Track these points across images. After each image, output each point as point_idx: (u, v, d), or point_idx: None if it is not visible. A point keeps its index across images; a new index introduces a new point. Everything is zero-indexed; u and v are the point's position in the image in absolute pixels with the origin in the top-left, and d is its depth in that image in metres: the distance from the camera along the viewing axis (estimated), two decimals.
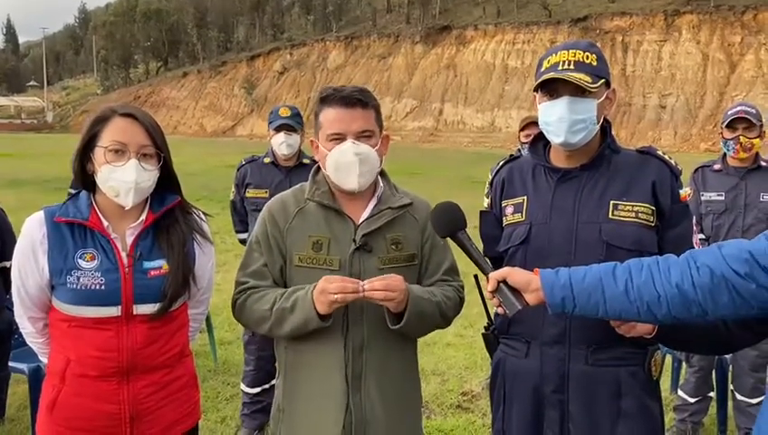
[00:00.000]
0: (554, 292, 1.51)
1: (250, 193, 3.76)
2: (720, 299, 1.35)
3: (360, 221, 1.87)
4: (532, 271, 1.58)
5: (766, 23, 41.34)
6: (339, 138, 1.83)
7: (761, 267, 1.30)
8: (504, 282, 1.59)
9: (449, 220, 1.71)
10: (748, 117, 3.47)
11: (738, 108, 3.58)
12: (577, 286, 1.49)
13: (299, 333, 1.82)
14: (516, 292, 1.58)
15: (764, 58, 40.02)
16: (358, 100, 1.84)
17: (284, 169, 3.76)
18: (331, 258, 1.84)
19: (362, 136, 1.84)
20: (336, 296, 1.70)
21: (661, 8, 45.66)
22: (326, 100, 1.86)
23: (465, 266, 1.88)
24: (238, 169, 3.88)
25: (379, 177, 1.95)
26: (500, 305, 1.61)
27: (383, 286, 1.71)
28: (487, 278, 1.62)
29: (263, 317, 1.85)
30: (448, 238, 1.78)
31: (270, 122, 3.76)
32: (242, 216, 3.89)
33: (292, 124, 3.69)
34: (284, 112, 3.77)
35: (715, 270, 1.35)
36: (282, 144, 3.69)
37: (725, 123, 3.55)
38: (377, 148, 1.87)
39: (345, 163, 1.82)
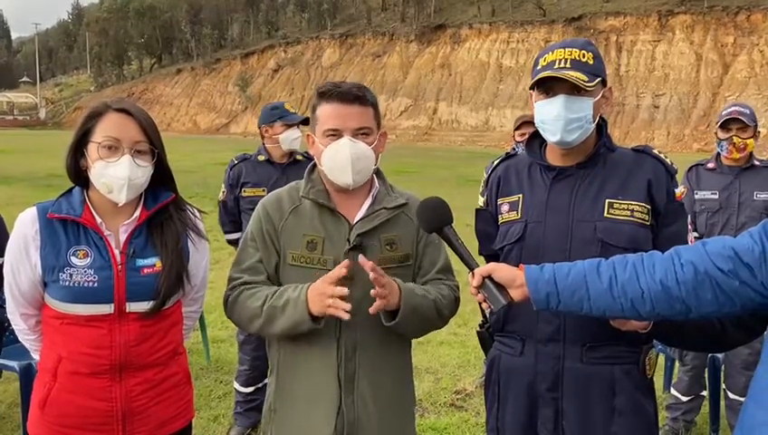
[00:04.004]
0: (539, 288, 1.52)
1: (247, 192, 3.69)
2: (703, 296, 1.36)
3: (355, 221, 1.86)
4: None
5: (759, 24, 41.55)
6: (335, 134, 1.82)
7: (744, 264, 1.31)
8: (490, 278, 1.59)
9: (435, 215, 1.70)
10: (742, 117, 3.49)
11: (732, 108, 3.60)
12: (561, 283, 1.50)
13: (290, 333, 1.80)
14: (501, 288, 1.58)
15: (757, 59, 40.23)
16: (356, 96, 1.82)
17: (280, 167, 3.73)
18: (324, 258, 1.83)
19: (359, 133, 1.82)
20: (330, 301, 1.68)
21: (655, 8, 45.81)
22: (324, 95, 1.84)
23: (459, 265, 1.87)
24: (231, 169, 3.78)
25: (374, 176, 1.93)
26: (485, 301, 1.61)
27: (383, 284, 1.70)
28: (473, 274, 1.62)
29: (254, 315, 1.82)
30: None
31: (280, 117, 3.66)
32: (233, 216, 3.80)
33: (303, 120, 3.62)
34: (292, 108, 3.73)
35: (699, 267, 1.36)
36: (295, 140, 3.65)
37: (720, 123, 3.57)
38: (373, 145, 1.85)
39: (340, 160, 1.80)
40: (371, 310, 1.71)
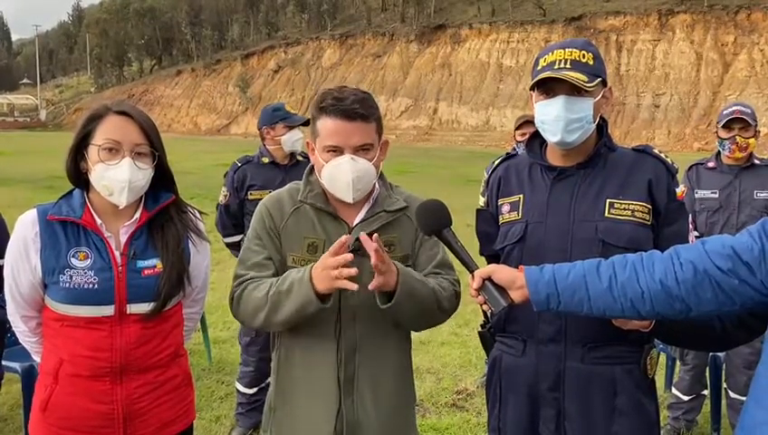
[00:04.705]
0: (539, 289, 1.52)
1: (254, 195, 3.63)
2: (703, 295, 1.36)
3: (354, 224, 1.85)
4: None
5: (759, 22, 41.55)
6: (336, 150, 1.78)
7: (743, 263, 1.31)
8: (490, 279, 1.59)
9: (434, 218, 1.69)
10: (744, 117, 3.49)
11: (734, 108, 3.60)
12: (561, 283, 1.50)
13: (297, 319, 1.74)
14: (501, 289, 1.58)
15: (757, 58, 40.23)
16: (359, 115, 1.76)
17: (283, 168, 3.71)
18: None
19: (361, 149, 1.79)
20: (335, 272, 1.63)
21: (655, 8, 45.82)
22: (325, 109, 1.79)
23: (459, 265, 1.87)
24: (234, 172, 3.72)
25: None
26: (485, 303, 1.61)
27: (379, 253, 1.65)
28: (473, 276, 1.61)
29: (258, 305, 1.77)
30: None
31: (282, 119, 3.65)
32: (236, 219, 3.75)
33: (305, 121, 3.61)
34: (292, 109, 3.72)
35: (698, 266, 1.36)
36: (297, 141, 3.64)
37: (722, 123, 3.57)
38: (375, 160, 1.82)
39: (341, 179, 1.77)
40: (370, 286, 1.66)
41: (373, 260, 1.65)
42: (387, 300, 1.74)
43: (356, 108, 1.76)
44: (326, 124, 1.79)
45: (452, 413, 4.01)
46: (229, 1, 78.34)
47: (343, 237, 1.67)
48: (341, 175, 1.77)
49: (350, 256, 1.64)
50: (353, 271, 1.63)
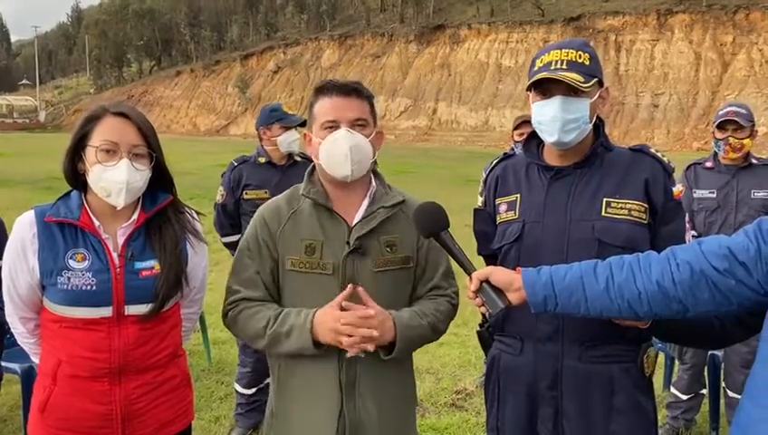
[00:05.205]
0: (536, 291, 1.53)
1: (249, 194, 3.66)
2: (700, 295, 1.36)
3: (354, 223, 1.85)
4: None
5: (758, 22, 41.56)
6: (333, 125, 1.82)
7: (739, 263, 1.32)
8: (487, 281, 1.60)
9: (432, 221, 1.70)
10: (737, 118, 3.51)
11: (729, 109, 3.61)
12: (558, 285, 1.51)
13: (293, 355, 1.82)
14: (499, 291, 1.59)
15: (756, 57, 40.24)
16: (353, 89, 1.84)
17: (280, 169, 3.73)
18: (324, 262, 1.81)
19: (357, 124, 1.83)
20: (345, 340, 1.70)
21: (654, 8, 45.84)
22: (322, 90, 1.86)
23: (458, 268, 1.88)
24: (231, 172, 3.74)
25: (372, 176, 1.93)
26: (483, 305, 1.62)
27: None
28: (470, 278, 1.62)
29: (257, 335, 1.83)
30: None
31: (278, 120, 3.66)
32: (233, 219, 3.76)
33: (301, 122, 3.63)
34: (290, 109, 3.73)
35: (695, 266, 1.36)
36: (293, 142, 3.65)
37: (716, 124, 3.58)
38: (370, 138, 1.85)
39: (338, 151, 1.79)
40: (355, 352, 1.72)
41: (360, 338, 1.71)
42: (387, 352, 1.79)
43: (351, 84, 1.85)
44: (323, 103, 1.85)
45: (451, 413, 4.02)
46: (228, 2, 78.36)
47: (348, 289, 1.74)
48: (338, 149, 1.80)
49: (374, 332, 1.71)
50: (370, 347, 1.72)
